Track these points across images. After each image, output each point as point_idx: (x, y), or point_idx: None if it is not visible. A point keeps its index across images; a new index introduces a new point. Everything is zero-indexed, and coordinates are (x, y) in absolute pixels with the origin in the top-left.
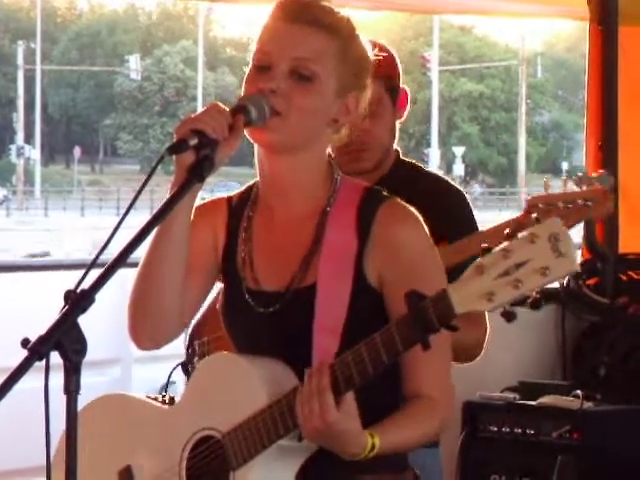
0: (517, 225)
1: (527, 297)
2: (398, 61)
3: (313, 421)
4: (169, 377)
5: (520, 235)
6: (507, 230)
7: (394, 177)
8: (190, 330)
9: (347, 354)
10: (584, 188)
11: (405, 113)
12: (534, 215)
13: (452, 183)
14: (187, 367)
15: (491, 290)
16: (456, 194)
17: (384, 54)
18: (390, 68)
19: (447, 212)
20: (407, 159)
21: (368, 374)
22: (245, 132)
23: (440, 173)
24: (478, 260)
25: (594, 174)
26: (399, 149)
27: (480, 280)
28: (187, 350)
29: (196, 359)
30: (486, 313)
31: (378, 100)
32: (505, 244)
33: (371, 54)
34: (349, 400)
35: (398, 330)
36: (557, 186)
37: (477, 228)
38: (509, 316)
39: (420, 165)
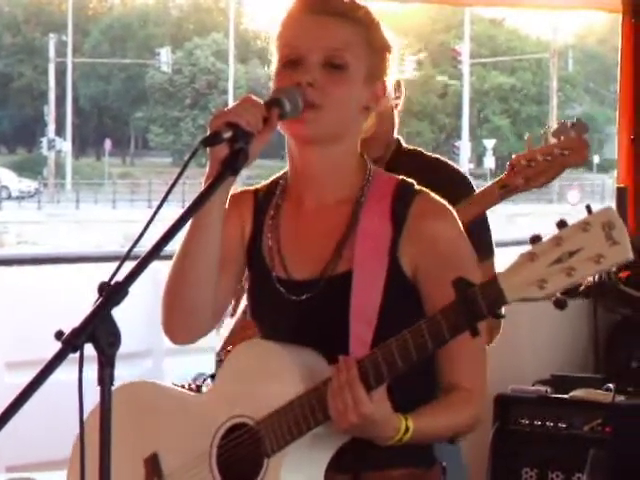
0: (502, 185)
1: (578, 286)
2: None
3: (348, 415)
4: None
5: (572, 223)
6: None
7: (395, 165)
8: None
9: (390, 342)
10: (561, 139)
11: (401, 102)
12: (586, 204)
13: (455, 169)
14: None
15: (543, 277)
16: (460, 181)
17: None
18: None
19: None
20: (409, 147)
21: (412, 361)
22: (279, 125)
23: (471, 166)
24: (530, 248)
25: (568, 122)
26: (401, 139)
27: (532, 267)
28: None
29: None
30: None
31: None
32: (557, 232)
33: (394, 41)
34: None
35: (445, 317)
36: (588, 178)
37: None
38: (561, 304)
39: (421, 150)
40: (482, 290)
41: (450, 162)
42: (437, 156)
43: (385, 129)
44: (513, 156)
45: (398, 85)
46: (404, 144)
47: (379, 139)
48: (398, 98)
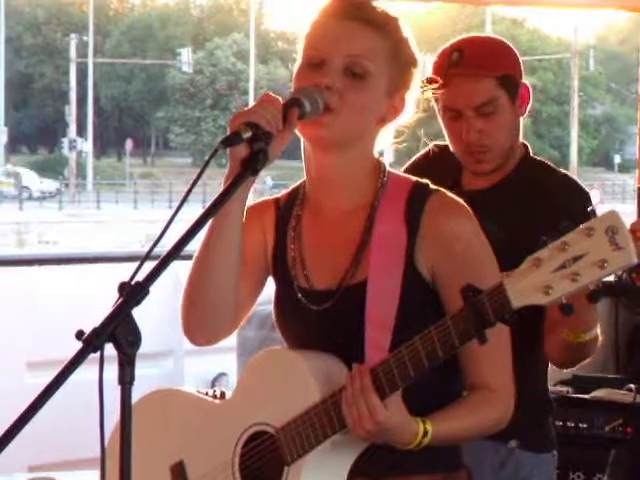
0: None
1: (585, 290)
2: (518, 56)
3: (363, 423)
4: None
5: (577, 228)
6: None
7: (519, 176)
8: None
9: (401, 349)
10: None
11: (527, 109)
12: (590, 208)
13: (579, 184)
14: None
15: (548, 283)
16: (577, 196)
17: (495, 51)
18: (503, 65)
19: (562, 213)
20: (537, 157)
21: (423, 368)
22: (296, 127)
23: None
24: (535, 253)
25: None
26: (529, 146)
27: (537, 273)
28: None
29: None
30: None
31: (490, 100)
32: (562, 238)
33: (420, 56)
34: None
35: (454, 324)
36: (609, 179)
37: None
38: (567, 309)
39: (548, 163)
40: (489, 297)
41: (576, 180)
42: (564, 172)
43: (503, 139)
44: (632, 223)
45: (527, 91)
46: (531, 153)
47: (493, 150)
48: (525, 106)
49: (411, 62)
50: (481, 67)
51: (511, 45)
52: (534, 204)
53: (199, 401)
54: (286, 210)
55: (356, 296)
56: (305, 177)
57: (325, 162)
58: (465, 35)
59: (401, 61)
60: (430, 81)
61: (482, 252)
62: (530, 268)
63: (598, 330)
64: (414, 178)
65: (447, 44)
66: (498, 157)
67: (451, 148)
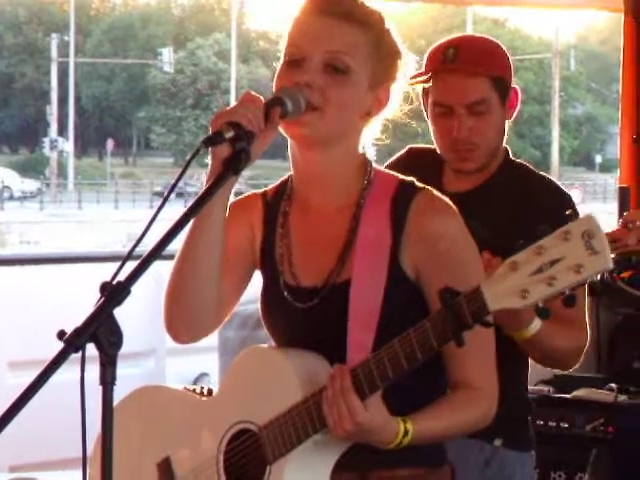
0: (611, 240)
1: (562, 294)
2: (510, 59)
3: (344, 424)
4: None
5: (554, 232)
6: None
7: (502, 178)
8: None
9: (381, 351)
10: None
11: (515, 113)
12: (568, 212)
13: (560, 187)
14: None
15: (525, 287)
16: (561, 199)
17: (491, 51)
18: (497, 67)
19: (547, 215)
20: (517, 159)
21: (403, 370)
22: (279, 126)
23: None
24: (512, 257)
25: None
26: (509, 148)
27: (514, 277)
28: None
29: None
30: (587, 319)
31: (483, 99)
32: (539, 241)
33: (402, 47)
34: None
35: (432, 326)
36: (591, 178)
37: None
38: (543, 313)
39: (528, 165)
40: (467, 300)
41: (557, 182)
42: (544, 175)
43: (491, 139)
44: (625, 213)
45: (516, 95)
46: (510, 155)
47: (481, 149)
48: (513, 109)
49: (394, 53)
50: (477, 65)
51: (504, 48)
52: (520, 205)
53: (185, 397)
54: (273, 205)
55: (340, 295)
56: (292, 172)
57: (310, 159)
58: (461, 34)
59: (384, 53)
60: (420, 75)
61: (467, 250)
62: (507, 272)
63: (582, 340)
64: (400, 176)
65: (441, 40)
66: (484, 157)
67: (435, 144)
